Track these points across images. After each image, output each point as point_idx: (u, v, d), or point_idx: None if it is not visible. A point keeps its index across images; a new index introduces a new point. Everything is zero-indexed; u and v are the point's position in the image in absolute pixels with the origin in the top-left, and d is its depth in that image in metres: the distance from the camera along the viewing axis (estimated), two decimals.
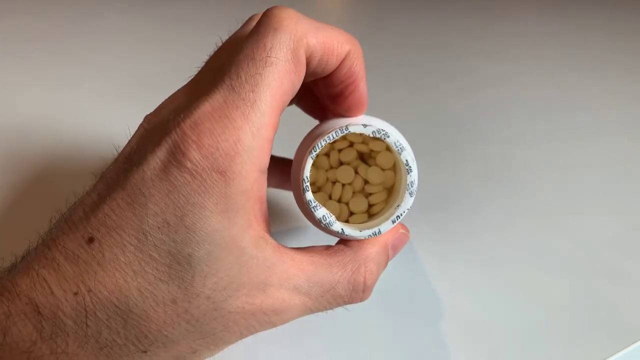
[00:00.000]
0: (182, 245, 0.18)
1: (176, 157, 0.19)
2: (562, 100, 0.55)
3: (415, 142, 0.43)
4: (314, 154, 0.22)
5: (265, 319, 0.20)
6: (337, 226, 0.22)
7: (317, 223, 0.22)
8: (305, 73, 0.21)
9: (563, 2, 0.96)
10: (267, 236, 0.21)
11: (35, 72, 0.56)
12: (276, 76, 0.20)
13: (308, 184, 0.22)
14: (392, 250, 0.24)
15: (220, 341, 0.20)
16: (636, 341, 0.27)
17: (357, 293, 0.22)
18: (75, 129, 0.45)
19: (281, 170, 0.29)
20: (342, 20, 0.85)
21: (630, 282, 0.30)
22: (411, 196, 0.22)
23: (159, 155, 0.19)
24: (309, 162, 0.22)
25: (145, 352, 0.19)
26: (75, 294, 0.18)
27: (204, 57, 0.24)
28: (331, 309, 0.22)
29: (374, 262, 0.23)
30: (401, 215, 0.22)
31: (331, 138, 0.22)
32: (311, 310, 0.21)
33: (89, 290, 0.18)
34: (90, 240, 0.18)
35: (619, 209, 0.37)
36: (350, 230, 0.22)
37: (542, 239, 0.34)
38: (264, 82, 0.19)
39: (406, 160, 0.22)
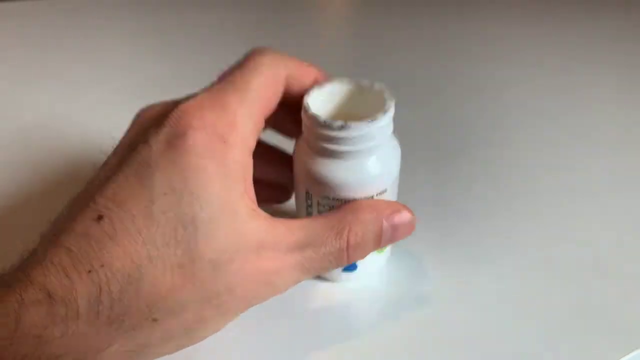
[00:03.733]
0: (186, 208, 0.20)
1: (180, 129, 0.21)
2: (566, 104, 0.54)
3: (419, 147, 0.44)
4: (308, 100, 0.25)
5: (265, 280, 0.22)
6: (339, 122, 0.24)
7: (323, 127, 0.24)
8: (285, 92, 0.25)
9: (570, 6, 0.96)
10: (258, 208, 0.23)
11: (49, 74, 0.56)
12: (262, 81, 0.23)
13: (309, 105, 0.25)
14: (392, 230, 0.25)
15: (226, 308, 0.21)
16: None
17: (342, 252, 0.23)
18: (87, 129, 0.46)
19: (264, 160, 0.30)
20: (344, 26, 0.85)
21: (635, 287, 0.30)
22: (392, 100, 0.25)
23: (164, 132, 0.21)
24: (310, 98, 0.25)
25: (156, 320, 0.19)
26: (89, 272, 0.19)
27: (218, 62, 0.26)
28: (325, 269, 0.24)
29: (361, 225, 0.24)
30: (390, 108, 0.25)
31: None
32: (307, 270, 0.23)
33: (102, 266, 0.19)
34: (100, 217, 0.20)
35: (624, 213, 0.37)
36: (351, 123, 0.24)
37: (547, 243, 0.34)
38: (253, 82, 0.23)
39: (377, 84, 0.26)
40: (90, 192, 0.21)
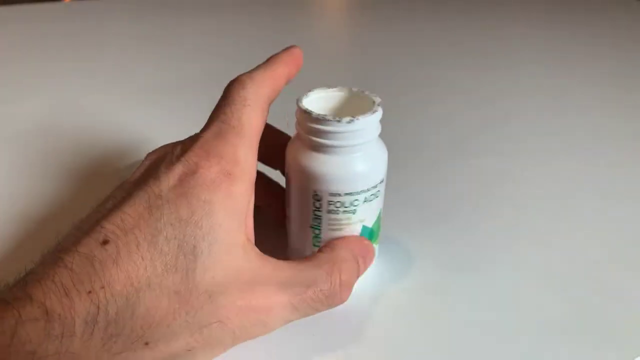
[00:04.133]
0: (189, 238, 0.21)
1: (189, 167, 0.23)
2: (563, 115, 0.54)
3: (416, 154, 0.44)
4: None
5: (256, 317, 0.22)
6: (331, 116, 0.26)
7: (314, 121, 0.26)
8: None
9: (569, 12, 0.97)
10: (252, 243, 0.24)
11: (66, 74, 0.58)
12: (252, 114, 0.25)
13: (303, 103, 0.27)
14: (362, 260, 0.27)
15: (215, 340, 0.21)
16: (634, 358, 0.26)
17: (335, 288, 0.24)
18: (104, 130, 0.46)
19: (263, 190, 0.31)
20: (341, 31, 0.85)
21: (628, 298, 0.30)
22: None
23: (175, 169, 0.23)
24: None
25: (147, 344, 0.20)
26: (89, 292, 0.19)
27: (234, 65, 0.27)
28: (316, 309, 0.24)
29: (347, 261, 0.26)
30: (379, 109, 0.27)
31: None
32: (297, 310, 0.23)
33: (102, 287, 0.19)
34: (105, 242, 0.20)
35: (618, 224, 0.37)
36: (341, 118, 0.26)
37: (541, 253, 0.33)
38: (244, 117, 0.25)
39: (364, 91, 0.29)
40: (97, 219, 0.22)
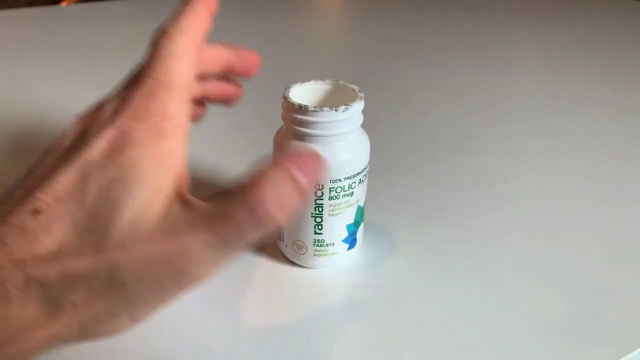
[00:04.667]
0: (114, 195, 0.21)
1: (120, 130, 0.23)
2: (556, 113, 0.55)
3: (407, 155, 0.45)
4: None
5: (173, 266, 0.21)
6: (311, 107, 0.27)
7: (297, 110, 0.27)
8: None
9: (568, 12, 0.97)
10: (185, 195, 0.23)
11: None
12: (182, 66, 0.25)
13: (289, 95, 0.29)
14: (300, 172, 0.21)
15: (134, 298, 0.21)
16: (627, 354, 0.27)
17: (250, 207, 0.21)
18: None
19: None
20: (338, 29, 0.86)
21: (622, 296, 0.30)
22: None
23: (106, 135, 0.23)
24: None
25: (76, 306, 0.21)
26: (20, 262, 0.20)
27: None
28: (235, 242, 0.21)
29: (268, 181, 0.21)
30: (360, 101, 0.28)
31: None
32: (215, 248, 0.21)
33: (34, 257, 0.20)
34: (36, 212, 0.21)
35: (612, 222, 0.37)
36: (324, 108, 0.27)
37: (535, 253, 0.34)
38: (175, 69, 0.25)
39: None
40: (28, 188, 0.22)
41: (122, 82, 0.26)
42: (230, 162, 0.44)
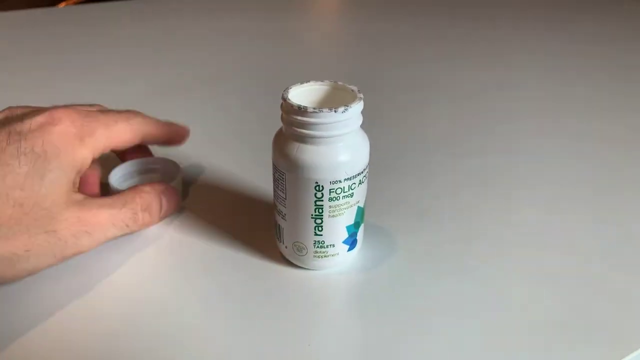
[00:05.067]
0: (39, 166, 0.27)
1: (52, 119, 0.29)
2: (556, 113, 0.55)
3: (407, 155, 0.45)
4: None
5: (84, 229, 0.29)
6: (311, 108, 0.27)
7: (296, 111, 0.27)
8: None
9: (567, 11, 0.97)
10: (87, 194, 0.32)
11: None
12: (126, 128, 0.34)
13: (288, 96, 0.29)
14: (165, 198, 0.35)
15: (49, 244, 0.28)
16: (627, 354, 0.27)
17: (137, 210, 0.32)
18: None
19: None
20: (336, 29, 0.86)
21: (622, 296, 0.30)
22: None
23: (40, 117, 0.29)
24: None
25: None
26: None
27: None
28: (127, 226, 0.32)
29: (149, 193, 0.34)
30: (359, 102, 0.28)
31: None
32: (114, 226, 0.31)
33: None
34: None
35: (612, 222, 0.37)
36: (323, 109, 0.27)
37: (535, 253, 0.34)
38: (119, 124, 0.33)
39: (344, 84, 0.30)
40: None
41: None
42: (230, 163, 0.44)
